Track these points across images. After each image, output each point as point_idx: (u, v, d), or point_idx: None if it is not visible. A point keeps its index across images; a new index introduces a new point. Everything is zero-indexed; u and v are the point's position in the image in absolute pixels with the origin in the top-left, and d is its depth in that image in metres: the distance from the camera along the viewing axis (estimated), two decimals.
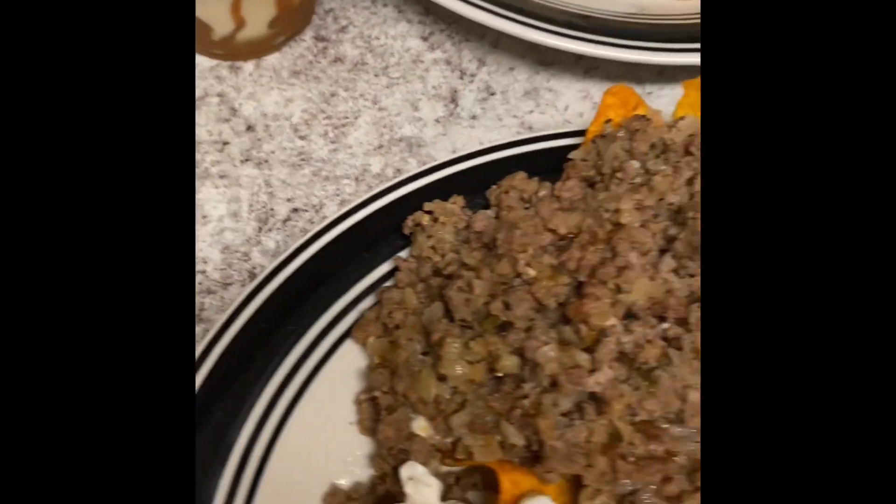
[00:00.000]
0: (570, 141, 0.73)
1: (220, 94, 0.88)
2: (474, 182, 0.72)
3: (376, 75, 0.90)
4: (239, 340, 0.66)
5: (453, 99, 0.89)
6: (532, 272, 0.58)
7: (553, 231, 0.60)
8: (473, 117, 0.87)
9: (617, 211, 0.58)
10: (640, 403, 0.54)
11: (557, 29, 0.80)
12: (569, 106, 0.88)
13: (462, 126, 0.87)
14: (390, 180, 0.74)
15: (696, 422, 0.54)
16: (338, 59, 0.91)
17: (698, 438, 0.54)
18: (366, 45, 0.92)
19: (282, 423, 0.64)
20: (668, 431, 0.55)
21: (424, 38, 0.93)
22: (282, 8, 0.84)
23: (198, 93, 0.88)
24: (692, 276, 0.56)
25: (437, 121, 0.87)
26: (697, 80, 0.70)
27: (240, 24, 0.83)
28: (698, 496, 0.53)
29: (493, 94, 0.89)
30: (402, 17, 0.94)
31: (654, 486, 0.53)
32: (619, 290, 0.55)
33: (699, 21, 0.85)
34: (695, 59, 0.79)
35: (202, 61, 0.90)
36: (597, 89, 0.89)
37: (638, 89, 0.87)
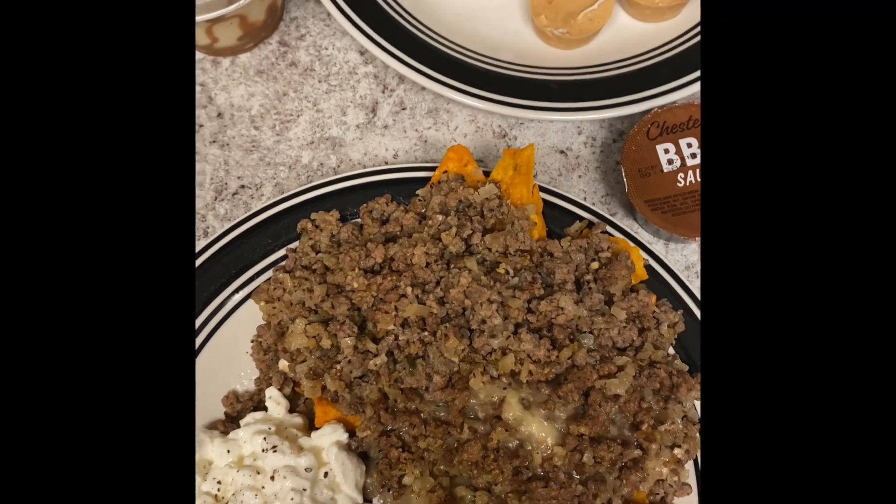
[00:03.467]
0: (428, 174, 1.02)
1: (201, 84, 1.17)
2: (354, 195, 1.02)
3: (320, 81, 1.17)
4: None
5: (373, 109, 1.16)
6: (354, 285, 0.90)
7: (373, 258, 0.90)
8: (386, 127, 1.15)
9: (413, 254, 0.88)
10: (404, 378, 0.87)
11: (445, 79, 1.05)
12: (458, 127, 1.14)
13: (376, 133, 1.15)
14: (309, 175, 1.05)
15: (436, 395, 0.87)
16: (293, 64, 1.18)
17: (439, 404, 0.87)
18: (316, 54, 1.19)
19: (204, 343, 0.99)
20: (420, 396, 0.88)
21: (361, 53, 1.18)
22: (246, 30, 1.11)
23: None
24: (450, 304, 0.87)
25: (358, 126, 1.15)
26: (512, 150, 0.97)
27: (214, 40, 1.11)
28: (429, 439, 0.86)
29: (404, 108, 1.16)
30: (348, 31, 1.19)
31: (404, 429, 0.87)
32: (397, 309, 0.86)
33: (556, 77, 1.09)
34: (541, 115, 1.04)
35: None
36: (483, 115, 1.14)
37: (512, 119, 1.13)
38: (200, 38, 1.10)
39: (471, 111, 1.15)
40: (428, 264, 0.89)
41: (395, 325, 0.87)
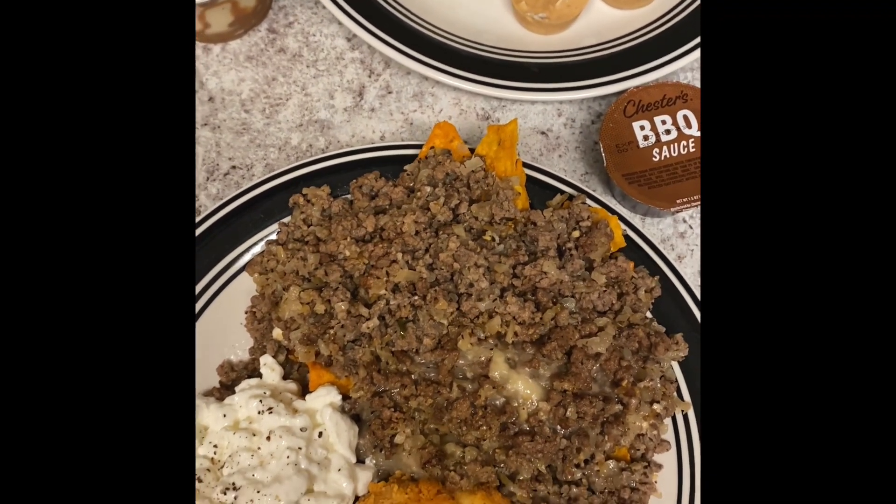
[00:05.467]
0: (414, 152, 1.06)
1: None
2: (347, 172, 1.06)
3: (307, 66, 1.21)
4: None
5: (360, 93, 1.20)
6: (346, 253, 0.93)
7: (364, 228, 0.94)
8: (372, 110, 1.19)
9: (402, 222, 0.92)
10: (395, 341, 0.91)
11: (430, 60, 1.10)
12: (443, 109, 1.19)
13: (363, 116, 1.19)
14: (299, 156, 1.09)
15: (426, 356, 0.91)
16: (282, 50, 1.22)
17: (428, 365, 0.91)
18: (304, 40, 1.23)
19: (198, 315, 1.02)
20: (411, 358, 0.92)
21: (348, 39, 1.23)
22: (237, 15, 1.15)
23: None
24: (439, 269, 0.91)
25: (346, 109, 1.19)
26: (496, 126, 1.01)
27: (206, 26, 1.14)
28: (420, 399, 0.90)
29: (390, 92, 1.20)
30: (335, 19, 1.23)
31: (395, 390, 0.91)
32: (388, 275, 0.90)
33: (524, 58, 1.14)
34: (520, 95, 1.09)
35: None
36: (466, 98, 1.19)
37: (495, 101, 1.18)
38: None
39: (455, 94, 1.19)
40: (417, 232, 0.93)
41: (386, 290, 0.91)
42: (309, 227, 1.00)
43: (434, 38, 1.15)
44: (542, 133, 1.17)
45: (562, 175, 1.05)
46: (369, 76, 1.21)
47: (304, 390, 0.97)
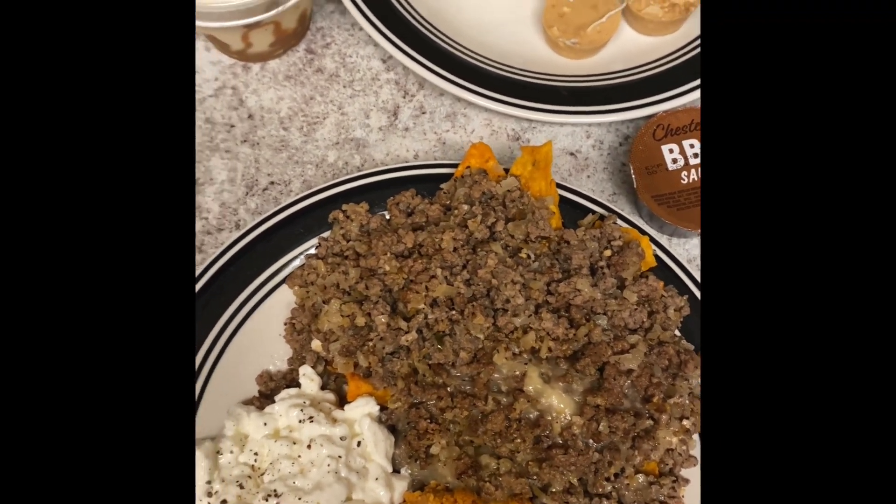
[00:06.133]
0: (450, 171, 1.09)
1: (233, 87, 1.24)
2: (384, 190, 1.09)
3: (344, 86, 1.25)
4: (223, 269, 1.06)
5: (395, 113, 1.24)
6: (387, 268, 0.97)
7: (404, 244, 0.98)
8: (406, 129, 1.23)
9: (441, 239, 0.96)
10: (432, 354, 0.94)
11: (463, 82, 1.14)
12: (475, 130, 1.22)
13: (397, 135, 1.22)
14: (335, 173, 1.12)
15: (462, 369, 0.93)
16: (319, 70, 1.26)
17: (464, 378, 0.94)
18: (341, 61, 1.26)
19: (239, 327, 1.05)
20: (447, 371, 0.94)
21: (384, 61, 1.27)
22: (278, 36, 1.19)
23: (217, 84, 1.24)
24: (476, 285, 0.94)
25: (380, 129, 1.23)
26: (531, 147, 1.04)
27: (248, 45, 1.18)
28: (455, 411, 0.93)
29: (424, 112, 1.24)
30: (370, 41, 1.27)
31: (432, 401, 0.94)
32: (427, 289, 0.93)
33: (571, 83, 1.17)
34: (549, 118, 1.12)
35: (224, 59, 1.26)
36: (497, 119, 1.22)
37: (526, 122, 1.21)
38: (235, 43, 1.17)
39: (486, 115, 1.23)
40: (455, 249, 0.96)
41: (425, 304, 0.94)
42: (348, 241, 1.03)
43: (467, 60, 1.19)
44: (572, 154, 1.21)
45: (592, 195, 1.08)
46: (404, 97, 1.24)
47: (340, 401, 1.00)
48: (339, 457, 0.90)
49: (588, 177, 1.19)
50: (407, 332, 0.93)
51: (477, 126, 1.22)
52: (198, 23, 1.05)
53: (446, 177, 1.09)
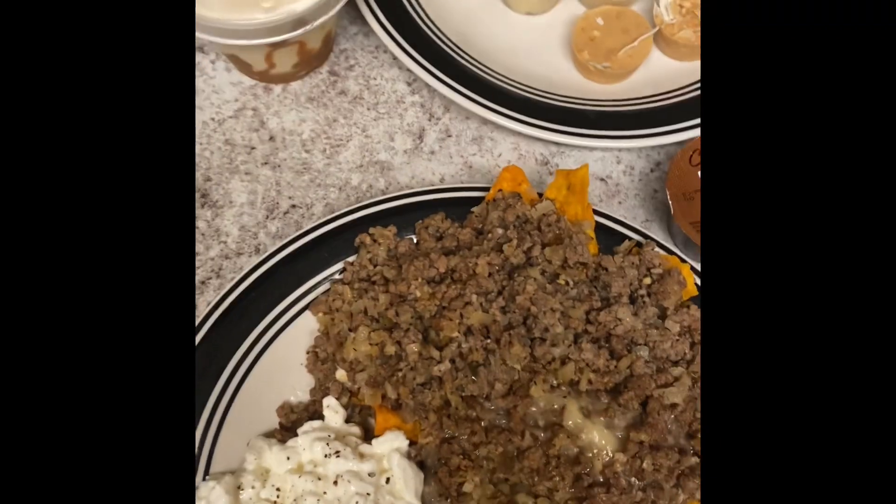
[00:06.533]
0: (480, 194, 1.05)
1: (254, 109, 1.21)
2: (412, 211, 1.05)
3: (368, 109, 1.22)
4: (243, 295, 1.02)
5: (420, 136, 1.20)
6: (418, 294, 0.92)
7: (436, 268, 0.93)
8: (432, 152, 1.19)
9: (476, 264, 0.91)
10: (466, 385, 0.89)
11: (489, 104, 1.11)
12: (502, 154, 1.19)
13: (423, 158, 1.19)
14: (359, 196, 1.09)
15: (498, 402, 0.89)
16: (342, 92, 1.23)
17: (499, 411, 0.89)
18: (365, 83, 1.23)
19: (258, 358, 1.00)
20: (480, 404, 0.90)
21: (409, 84, 1.24)
22: (303, 57, 1.16)
23: (238, 105, 1.21)
24: (513, 312, 0.90)
25: (405, 151, 1.19)
26: (566, 171, 1.01)
27: (271, 65, 1.15)
28: (490, 446, 0.88)
29: (450, 136, 1.20)
30: (395, 63, 1.25)
31: (465, 436, 0.89)
32: (462, 316, 0.89)
33: (600, 108, 1.14)
34: (576, 141, 1.09)
35: (245, 80, 1.23)
36: (525, 143, 1.19)
37: (554, 147, 1.18)
38: (258, 63, 1.14)
39: (513, 139, 1.20)
40: (490, 274, 0.92)
41: (458, 332, 0.89)
42: (375, 266, 0.99)
43: (494, 82, 1.16)
44: (602, 179, 1.17)
45: (629, 221, 1.04)
46: (429, 120, 1.21)
47: (366, 434, 0.95)
48: (368, 494, 0.85)
49: (619, 203, 1.16)
50: (440, 362, 0.89)
51: (504, 150, 1.19)
52: (222, 41, 1.02)
53: (476, 200, 1.05)
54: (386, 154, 1.19)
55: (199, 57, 1.24)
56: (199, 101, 1.21)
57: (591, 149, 1.18)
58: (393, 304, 0.93)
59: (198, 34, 1.02)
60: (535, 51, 1.23)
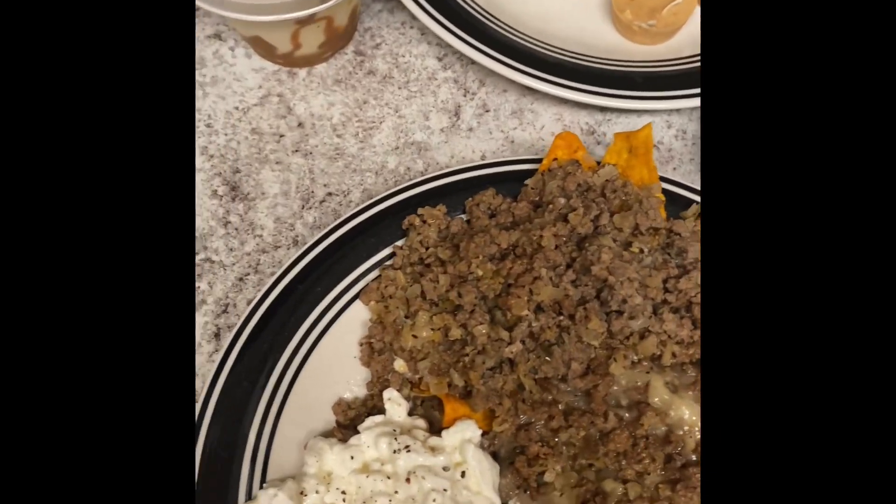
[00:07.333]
0: (529, 167, 0.99)
1: (279, 95, 1.15)
2: (457, 191, 0.99)
3: (399, 88, 1.15)
4: (286, 291, 0.95)
5: (457, 113, 1.14)
6: (480, 272, 0.86)
7: (497, 244, 0.87)
8: (470, 129, 1.13)
9: (541, 236, 0.85)
10: (539, 367, 0.82)
11: (532, 71, 1.04)
12: (545, 126, 1.13)
13: (461, 136, 1.12)
14: (397, 179, 1.02)
15: (575, 383, 0.82)
16: (371, 72, 1.16)
17: (577, 393, 0.83)
18: (393, 62, 1.17)
19: (308, 354, 0.94)
20: (556, 386, 0.83)
21: (439, 59, 1.17)
22: (329, 35, 1.09)
23: (262, 92, 1.15)
24: (585, 285, 0.83)
25: (442, 130, 1.13)
26: (626, 133, 0.94)
27: (297, 46, 1.09)
28: (571, 430, 0.82)
29: (487, 111, 1.14)
30: (423, 38, 1.18)
31: (542, 422, 0.82)
32: (531, 292, 0.82)
33: (641, 68, 1.08)
34: (625, 104, 1.03)
35: (267, 65, 1.16)
36: (569, 113, 1.13)
37: (599, 115, 1.12)
38: (283, 45, 1.08)
39: (556, 110, 1.13)
40: (557, 247, 0.85)
41: (528, 310, 0.83)
42: (427, 249, 0.92)
43: (532, 48, 1.09)
44: (654, 146, 1.11)
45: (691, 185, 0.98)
46: (464, 95, 1.15)
47: (430, 428, 0.88)
48: (445, 490, 0.79)
49: (674, 169, 1.09)
50: (510, 343, 0.82)
51: (547, 121, 1.13)
52: (250, 17, 0.96)
53: (525, 174, 0.99)
54: (422, 134, 1.12)
55: (216, 45, 1.17)
56: (220, 90, 1.14)
57: (640, 112, 1.11)
58: (454, 286, 0.86)
59: (225, 13, 0.96)
60: (567, 14, 1.16)
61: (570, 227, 0.86)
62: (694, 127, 1.12)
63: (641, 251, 0.86)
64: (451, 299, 0.86)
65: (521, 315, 0.83)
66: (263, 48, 1.12)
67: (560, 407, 0.82)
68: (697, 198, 0.96)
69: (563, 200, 0.88)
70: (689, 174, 1.09)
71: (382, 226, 0.98)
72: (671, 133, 1.12)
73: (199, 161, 1.09)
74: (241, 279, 1.03)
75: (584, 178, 0.90)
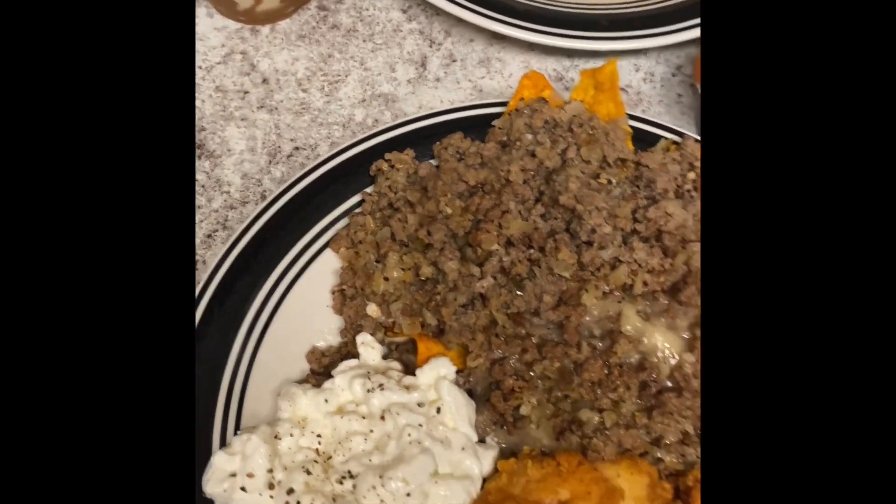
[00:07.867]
0: (497, 110, 0.98)
1: (242, 52, 1.13)
2: (424, 138, 0.98)
3: (364, 41, 1.14)
4: (252, 243, 0.94)
5: (423, 63, 1.13)
6: (449, 210, 0.85)
7: (465, 182, 0.86)
8: (437, 80, 1.12)
9: (508, 171, 0.84)
10: (511, 301, 0.82)
11: (499, 16, 1.03)
12: (512, 74, 1.12)
13: (428, 87, 1.11)
14: (365, 132, 1.01)
15: (548, 315, 0.82)
16: (335, 26, 1.15)
17: (550, 325, 0.82)
18: (357, 15, 1.16)
19: (279, 303, 0.93)
20: (529, 320, 0.83)
21: (404, 11, 1.16)
22: None
23: (225, 51, 1.13)
24: (555, 219, 0.83)
25: (409, 81, 1.12)
26: (591, 70, 0.94)
27: (258, 1, 1.07)
28: (545, 362, 0.81)
29: (454, 60, 1.13)
30: None
31: (515, 356, 0.82)
32: (500, 227, 0.82)
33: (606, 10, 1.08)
34: (591, 45, 1.02)
35: (230, 24, 1.15)
36: (536, 60, 1.12)
37: (567, 61, 1.11)
38: (244, 0, 1.07)
39: (524, 57, 1.13)
40: (525, 181, 0.85)
41: (498, 244, 0.82)
42: (396, 193, 0.92)
43: None
44: (622, 90, 1.10)
45: (658, 120, 0.97)
46: (430, 46, 1.14)
47: (406, 371, 0.87)
48: (420, 425, 0.78)
49: (643, 111, 1.09)
50: (481, 279, 0.81)
51: (514, 70, 1.12)
52: None
53: (494, 117, 0.98)
54: (388, 86, 1.11)
55: None
56: None
57: (606, 54, 1.11)
58: (423, 225, 0.85)
59: None
60: None
61: (537, 161, 0.86)
62: (662, 69, 1.12)
63: (610, 182, 0.85)
64: (420, 238, 0.85)
65: (491, 250, 0.82)
66: (225, 5, 1.10)
67: (533, 340, 0.82)
68: (665, 134, 0.95)
69: (530, 137, 0.87)
70: (657, 116, 1.08)
71: (350, 174, 0.97)
72: (639, 76, 1.11)
73: None
74: (209, 236, 1.02)
75: (552, 114, 0.90)
